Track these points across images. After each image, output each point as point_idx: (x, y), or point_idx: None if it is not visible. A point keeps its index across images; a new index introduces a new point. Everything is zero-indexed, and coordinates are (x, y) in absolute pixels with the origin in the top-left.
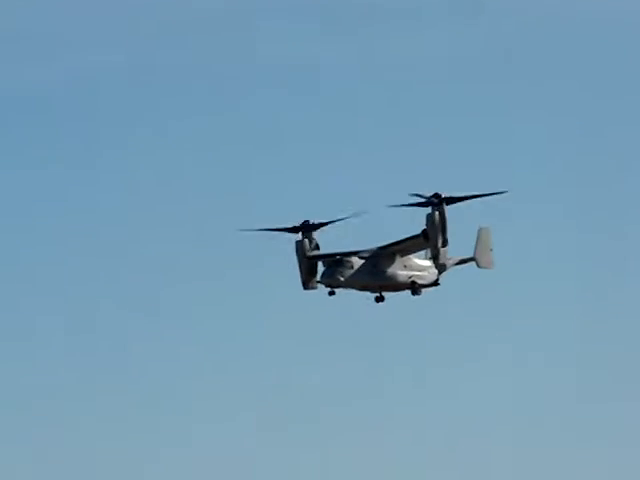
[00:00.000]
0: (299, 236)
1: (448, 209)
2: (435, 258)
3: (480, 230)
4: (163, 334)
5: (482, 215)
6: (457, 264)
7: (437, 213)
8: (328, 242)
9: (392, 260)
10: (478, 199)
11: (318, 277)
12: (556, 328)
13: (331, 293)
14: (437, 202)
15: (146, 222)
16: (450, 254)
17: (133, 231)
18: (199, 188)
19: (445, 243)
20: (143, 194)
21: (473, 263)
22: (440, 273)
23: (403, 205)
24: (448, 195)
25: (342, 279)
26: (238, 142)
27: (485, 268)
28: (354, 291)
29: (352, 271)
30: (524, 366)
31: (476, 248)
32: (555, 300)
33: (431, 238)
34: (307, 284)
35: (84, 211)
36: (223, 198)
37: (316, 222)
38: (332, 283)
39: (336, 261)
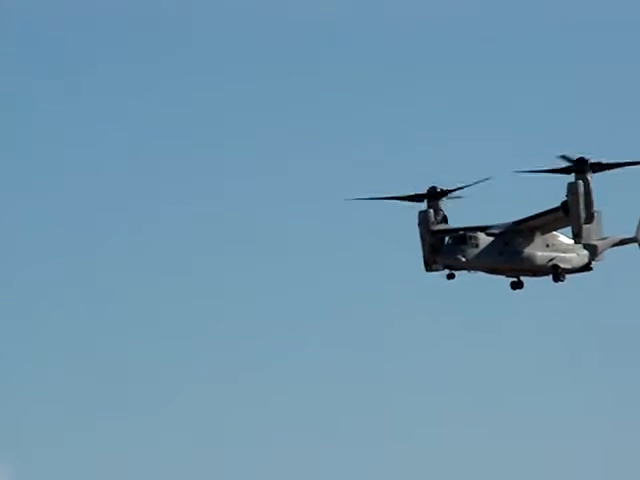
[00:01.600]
0: (423, 206)
1: (596, 177)
2: (577, 237)
3: None
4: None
5: None
6: (615, 245)
7: (581, 182)
8: (458, 215)
9: (530, 238)
10: (633, 167)
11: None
12: None
13: (450, 276)
14: (581, 168)
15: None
16: (608, 233)
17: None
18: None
19: (590, 219)
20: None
21: (636, 244)
22: (593, 256)
23: (540, 171)
24: (596, 160)
25: (464, 259)
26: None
27: None
28: (484, 274)
29: (477, 250)
30: None
31: (639, 226)
32: None
33: (572, 212)
34: (431, 264)
35: None
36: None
37: (444, 189)
38: (452, 264)
39: (458, 237)
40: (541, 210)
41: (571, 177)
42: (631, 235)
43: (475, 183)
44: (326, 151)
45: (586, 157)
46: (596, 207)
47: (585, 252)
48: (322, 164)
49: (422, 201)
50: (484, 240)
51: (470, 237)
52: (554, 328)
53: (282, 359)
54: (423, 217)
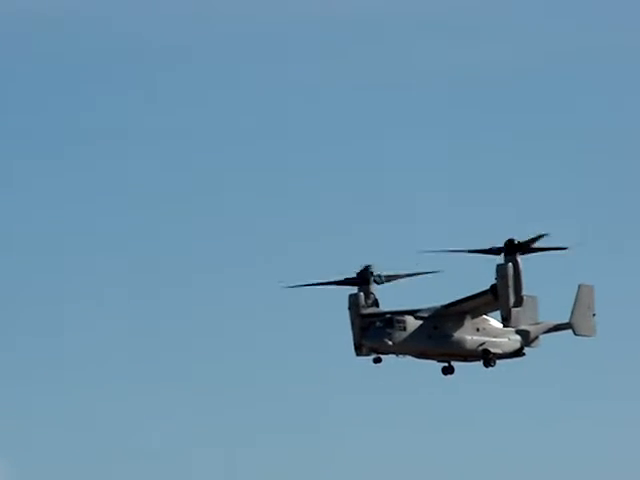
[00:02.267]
0: (354, 289)
1: (532, 260)
2: (506, 320)
3: (580, 289)
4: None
5: (583, 270)
6: (550, 331)
7: (510, 264)
8: (391, 298)
9: (460, 322)
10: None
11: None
12: None
13: (377, 360)
14: (511, 250)
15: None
16: (542, 318)
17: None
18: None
19: (519, 303)
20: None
21: (570, 330)
22: (526, 341)
23: (467, 251)
24: (524, 241)
25: (391, 343)
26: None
27: (585, 336)
28: (415, 360)
29: (405, 334)
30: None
31: (574, 311)
32: None
33: (501, 295)
34: (361, 348)
35: None
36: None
37: (379, 274)
38: (379, 348)
39: (385, 321)
40: (471, 293)
41: (500, 259)
42: (566, 321)
43: (418, 273)
44: (255, 236)
45: (513, 238)
46: (532, 292)
47: (517, 337)
48: (253, 249)
49: (354, 285)
50: (412, 324)
51: (397, 320)
52: (484, 414)
53: (213, 441)
54: (353, 300)
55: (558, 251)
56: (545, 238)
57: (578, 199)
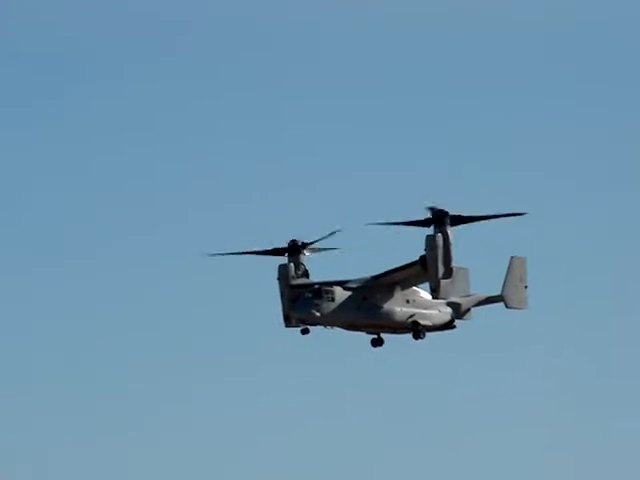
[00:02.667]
0: (284, 259)
1: (463, 233)
2: (434, 292)
3: (512, 260)
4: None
5: (515, 242)
6: (482, 303)
7: (439, 235)
8: (323, 269)
9: (390, 293)
10: (495, 220)
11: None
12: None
13: (305, 331)
14: (441, 220)
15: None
16: (475, 290)
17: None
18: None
19: (449, 274)
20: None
21: (502, 303)
22: (457, 313)
23: (396, 223)
24: (456, 213)
25: (319, 314)
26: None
27: (516, 308)
28: (344, 331)
29: (334, 305)
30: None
31: (505, 283)
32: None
33: (430, 267)
34: (290, 319)
35: None
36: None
37: (304, 242)
38: (307, 319)
39: (313, 292)
40: (400, 264)
41: (430, 230)
42: (497, 293)
43: (328, 235)
44: (189, 206)
45: (445, 209)
46: (463, 264)
47: (448, 309)
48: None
49: (283, 255)
50: (341, 295)
51: (326, 291)
52: (412, 386)
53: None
54: (282, 271)
55: (509, 217)
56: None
57: (512, 169)
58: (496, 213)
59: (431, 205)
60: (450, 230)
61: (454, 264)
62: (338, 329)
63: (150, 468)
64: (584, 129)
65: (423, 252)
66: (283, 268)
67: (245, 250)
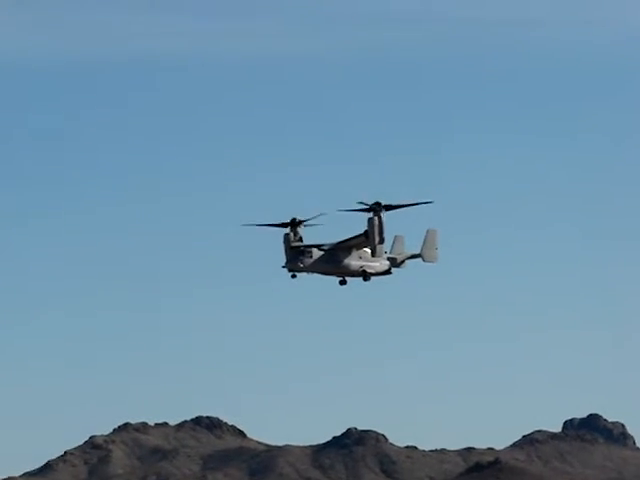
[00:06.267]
0: (287, 230)
1: (398, 213)
2: (373, 254)
3: (428, 231)
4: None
5: (437, 218)
6: (408, 258)
7: (376, 218)
8: (312, 236)
9: (348, 252)
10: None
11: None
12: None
13: (293, 276)
14: (377, 208)
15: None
16: (408, 249)
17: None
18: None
19: (381, 241)
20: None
21: (420, 258)
22: (394, 264)
23: (352, 210)
24: (387, 203)
25: (302, 265)
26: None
27: (429, 262)
28: (321, 276)
29: (312, 260)
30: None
31: (423, 246)
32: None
33: (370, 237)
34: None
35: None
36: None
37: (300, 219)
38: (295, 268)
39: (298, 251)
40: (354, 235)
41: (370, 214)
42: (417, 252)
43: (317, 216)
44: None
45: (380, 201)
46: (401, 233)
47: (387, 262)
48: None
49: (287, 227)
50: (317, 253)
51: (307, 251)
52: (363, 309)
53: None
54: (285, 237)
55: (422, 205)
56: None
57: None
58: (411, 202)
59: (361, 200)
60: (383, 214)
61: (385, 235)
62: (316, 275)
63: None
64: None
65: (366, 228)
66: (286, 235)
67: (264, 223)
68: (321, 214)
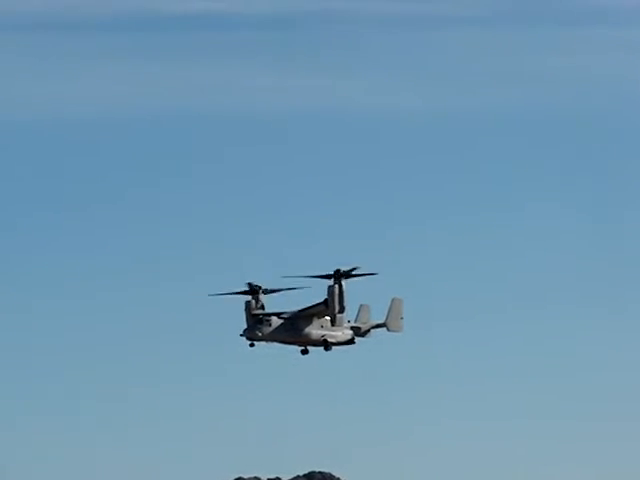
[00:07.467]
0: (249, 297)
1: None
2: (333, 323)
3: (393, 300)
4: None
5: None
6: (375, 327)
7: (336, 285)
8: (276, 304)
9: (309, 321)
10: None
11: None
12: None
13: (251, 345)
14: (337, 275)
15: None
16: (374, 319)
17: None
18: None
19: (342, 310)
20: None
21: (385, 328)
22: (357, 334)
23: (311, 277)
24: (345, 271)
25: (260, 334)
26: None
27: (395, 332)
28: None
29: (270, 328)
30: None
31: (388, 315)
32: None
33: (330, 306)
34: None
35: None
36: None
37: (265, 288)
38: (253, 337)
39: (257, 319)
40: (315, 303)
41: (331, 282)
42: (382, 321)
43: (283, 289)
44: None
45: (339, 268)
46: (366, 302)
47: (350, 331)
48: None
49: (250, 294)
50: (276, 322)
51: (265, 320)
52: (325, 378)
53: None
54: (246, 305)
55: (369, 276)
56: (358, 269)
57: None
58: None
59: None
60: (344, 282)
61: (346, 303)
62: (276, 344)
63: None
64: None
65: (326, 296)
66: (247, 303)
67: (229, 291)
68: (287, 289)
